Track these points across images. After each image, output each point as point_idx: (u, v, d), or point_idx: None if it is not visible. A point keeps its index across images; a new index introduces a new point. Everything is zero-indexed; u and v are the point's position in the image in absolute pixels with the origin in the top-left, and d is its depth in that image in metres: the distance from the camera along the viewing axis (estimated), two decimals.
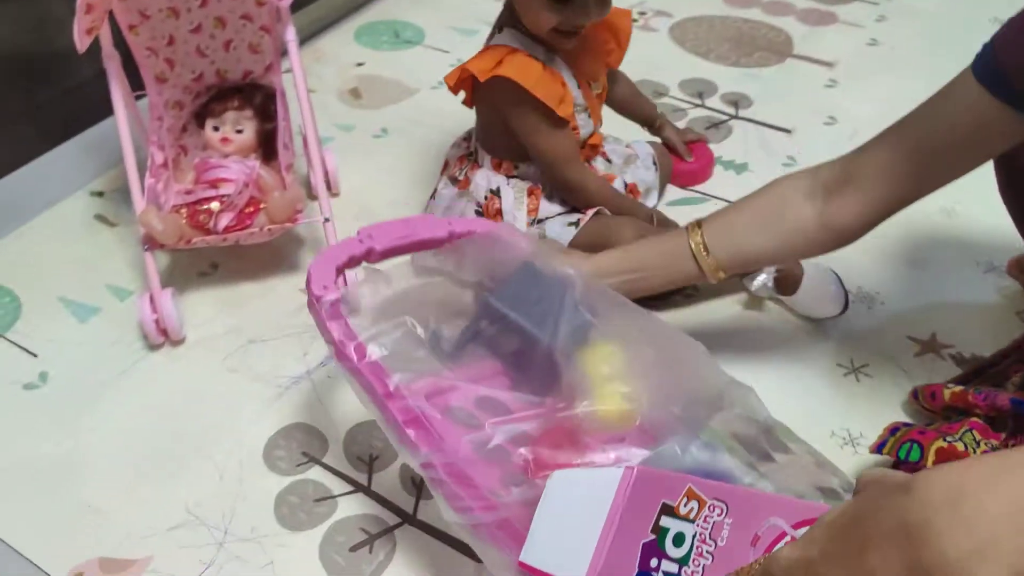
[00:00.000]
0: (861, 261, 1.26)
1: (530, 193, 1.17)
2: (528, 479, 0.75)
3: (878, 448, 0.91)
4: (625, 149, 1.27)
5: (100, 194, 1.42)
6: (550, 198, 1.17)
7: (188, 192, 1.21)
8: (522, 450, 0.76)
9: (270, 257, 1.28)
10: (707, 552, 0.58)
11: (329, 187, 1.35)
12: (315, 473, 1.02)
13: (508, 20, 1.12)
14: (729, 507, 0.58)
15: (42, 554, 0.95)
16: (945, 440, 0.84)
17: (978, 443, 0.84)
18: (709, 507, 0.59)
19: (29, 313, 1.23)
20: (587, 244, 1.11)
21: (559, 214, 1.16)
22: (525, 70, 1.06)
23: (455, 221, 1.02)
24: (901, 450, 0.87)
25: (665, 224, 1.20)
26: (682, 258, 0.96)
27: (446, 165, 1.23)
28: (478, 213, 1.18)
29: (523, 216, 1.15)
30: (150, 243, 1.16)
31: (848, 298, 1.16)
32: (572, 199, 1.16)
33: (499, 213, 1.16)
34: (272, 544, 0.95)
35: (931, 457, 0.84)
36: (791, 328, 1.17)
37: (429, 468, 0.77)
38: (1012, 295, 1.21)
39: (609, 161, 1.23)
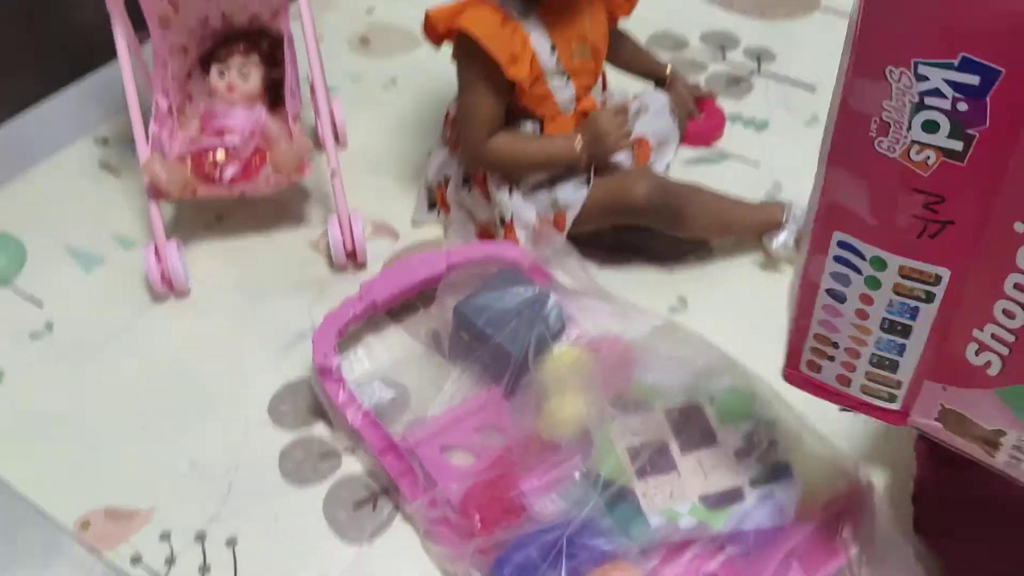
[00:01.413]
0: None
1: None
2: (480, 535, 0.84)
3: None
4: (632, 103, 1.22)
5: (105, 141, 1.39)
6: None
7: (193, 141, 1.18)
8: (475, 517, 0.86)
9: (276, 209, 1.26)
10: None
11: (337, 138, 1.32)
12: (320, 429, 1.01)
13: None
14: None
15: (50, 502, 0.95)
16: None
17: None
18: None
19: (34, 261, 1.22)
20: (601, 202, 1.08)
21: (568, 178, 1.11)
22: (481, 20, 1.02)
23: (452, 252, 1.07)
24: None
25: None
26: None
27: (447, 117, 1.20)
28: (465, 179, 1.16)
29: (505, 187, 1.12)
30: (155, 193, 1.14)
31: None
32: (472, 167, 1.13)
33: (485, 180, 1.13)
34: (276, 499, 0.95)
35: None
36: None
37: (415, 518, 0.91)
38: None
39: None
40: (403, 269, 1.08)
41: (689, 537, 0.81)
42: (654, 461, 0.85)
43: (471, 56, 1.03)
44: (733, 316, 1.12)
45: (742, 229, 1.15)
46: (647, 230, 1.13)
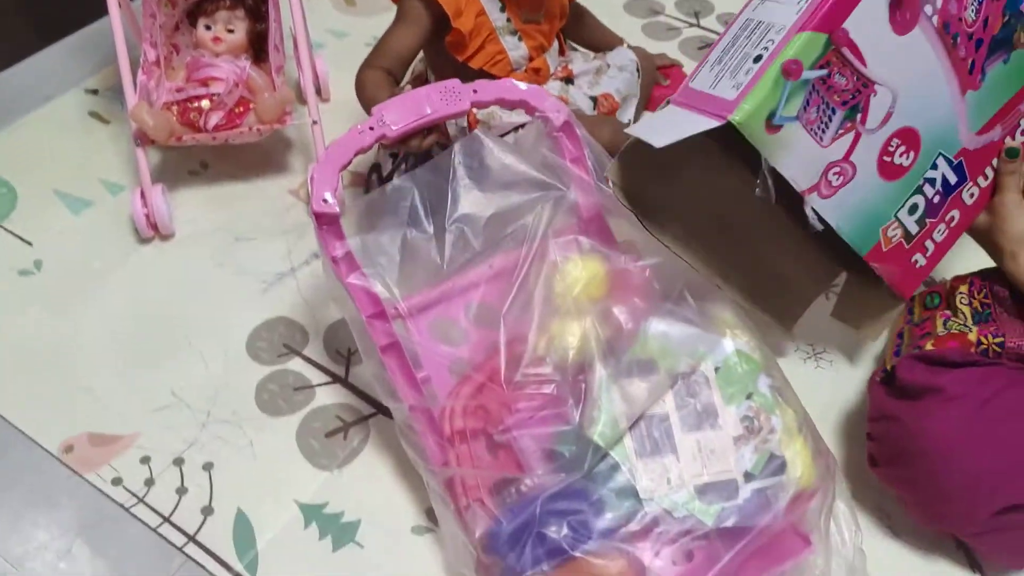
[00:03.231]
0: None
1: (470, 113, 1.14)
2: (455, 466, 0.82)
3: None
4: (593, 62, 1.26)
5: (94, 92, 1.43)
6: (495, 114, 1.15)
7: (179, 90, 1.22)
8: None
9: (259, 158, 1.30)
10: None
11: (319, 92, 1.36)
12: (295, 364, 1.06)
13: None
14: None
15: (35, 427, 1.00)
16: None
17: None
18: None
19: (24, 204, 1.26)
20: None
21: (522, 125, 1.13)
22: None
23: (481, 87, 0.93)
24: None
25: None
26: None
27: (416, 76, 1.24)
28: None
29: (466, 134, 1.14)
30: (141, 139, 1.18)
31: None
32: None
33: (445, 133, 1.15)
34: (252, 427, 1.00)
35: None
36: None
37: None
38: None
39: (570, 82, 1.22)
40: (421, 100, 0.91)
41: (680, 528, 0.78)
42: (655, 440, 0.80)
43: (415, 5, 1.08)
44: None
45: None
46: None
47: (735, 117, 0.74)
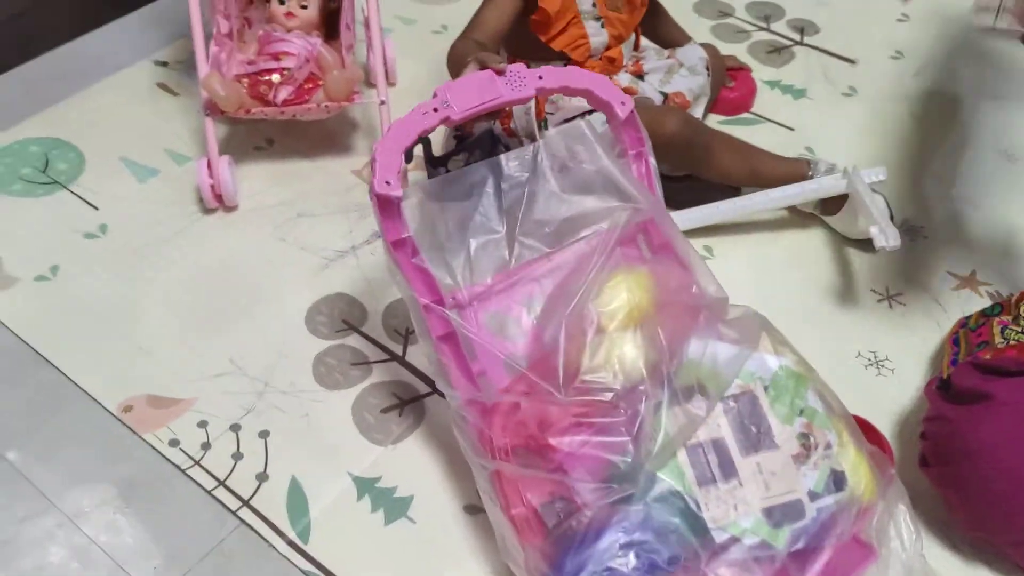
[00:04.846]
0: (912, 193, 1.25)
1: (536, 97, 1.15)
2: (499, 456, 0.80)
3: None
4: (666, 60, 1.25)
5: (164, 64, 1.45)
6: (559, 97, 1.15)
7: (250, 63, 1.23)
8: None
9: (324, 137, 1.31)
10: None
11: (387, 76, 1.37)
12: (353, 340, 1.06)
13: None
14: None
15: (96, 387, 1.01)
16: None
17: None
18: None
19: (91, 169, 1.27)
20: None
21: (592, 111, 1.13)
22: None
23: (546, 73, 0.89)
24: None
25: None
26: None
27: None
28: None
29: (532, 120, 1.14)
30: (211, 109, 1.19)
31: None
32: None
33: (509, 116, 1.16)
34: (308, 399, 1.00)
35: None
36: (832, 247, 1.18)
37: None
38: None
39: (641, 78, 1.21)
40: (487, 83, 0.87)
41: (750, 554, 0.76)
42: (715, 467, 0.78)
43: None
44: (757, 268, 1.15)
45: (768, 178, 1.17)
46: (678, 180, 1.16)
47: None
